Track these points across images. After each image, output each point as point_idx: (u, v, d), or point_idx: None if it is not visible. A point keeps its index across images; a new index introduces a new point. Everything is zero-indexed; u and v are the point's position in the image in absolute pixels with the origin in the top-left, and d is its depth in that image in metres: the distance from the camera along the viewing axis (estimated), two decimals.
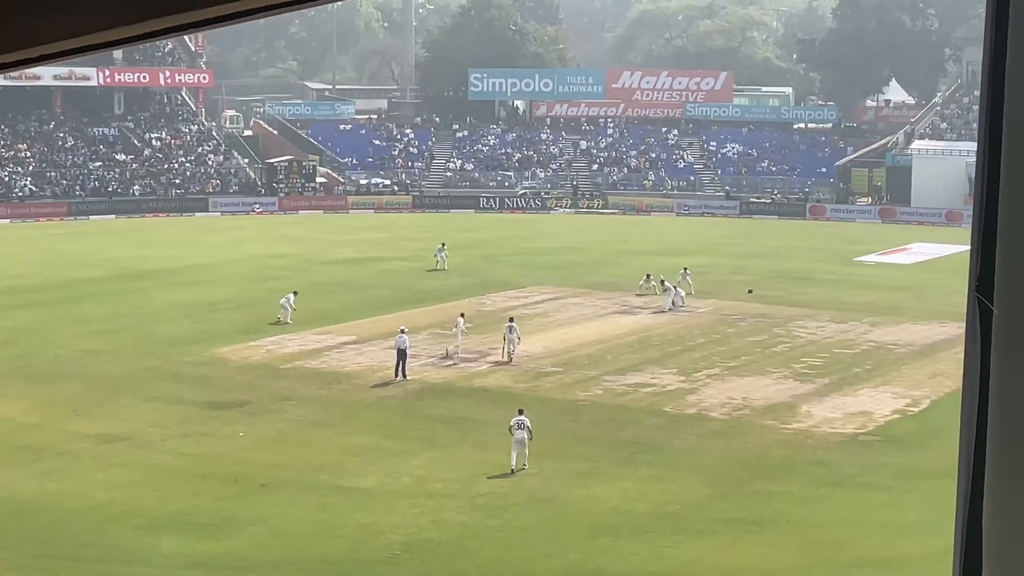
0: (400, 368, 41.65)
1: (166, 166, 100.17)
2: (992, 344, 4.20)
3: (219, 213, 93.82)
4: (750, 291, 58.52)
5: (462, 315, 47.20)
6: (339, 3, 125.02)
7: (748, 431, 36.40)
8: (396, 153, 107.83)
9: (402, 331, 42.62)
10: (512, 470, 31.80)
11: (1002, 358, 4.14)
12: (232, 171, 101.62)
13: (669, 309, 53.93)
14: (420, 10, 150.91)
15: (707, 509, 29.74)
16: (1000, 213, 4.12)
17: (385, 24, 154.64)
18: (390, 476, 31.91)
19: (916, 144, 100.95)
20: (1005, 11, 4.19)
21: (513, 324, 45.44)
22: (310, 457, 33.41)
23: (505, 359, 44.43)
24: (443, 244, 66.66)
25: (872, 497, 30.70)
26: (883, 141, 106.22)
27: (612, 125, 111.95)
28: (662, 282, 56.27)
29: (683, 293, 55.60)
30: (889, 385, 41.82)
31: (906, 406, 39.01)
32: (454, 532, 28.08)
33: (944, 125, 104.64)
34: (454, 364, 44.39)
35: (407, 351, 41.88)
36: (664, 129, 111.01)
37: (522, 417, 32.48)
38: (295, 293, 51.78)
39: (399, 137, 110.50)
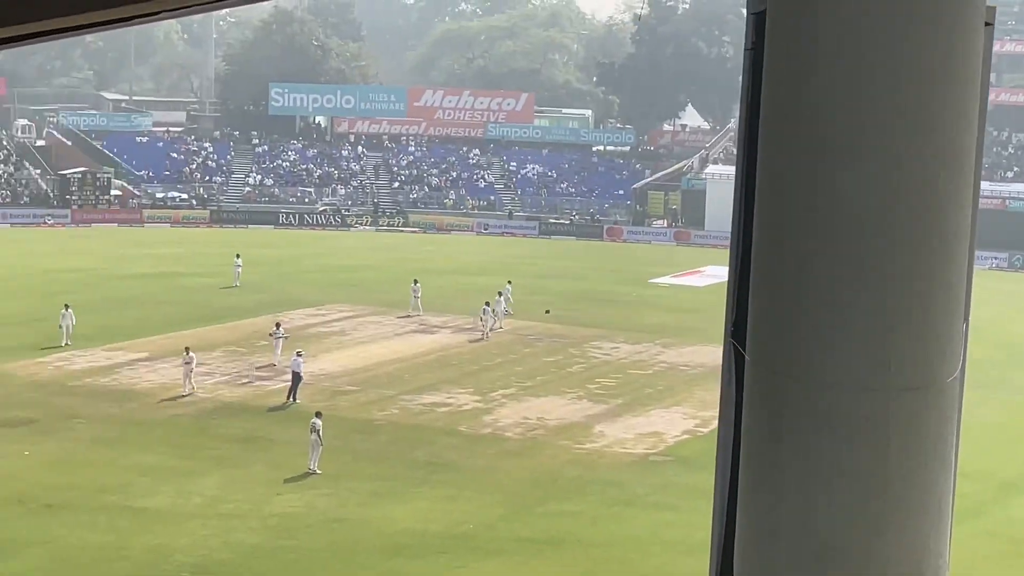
0: (293, 393, 41.16)
1: None
2: (744, 385, 4.41)
3: (9, 225, 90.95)
4: (547, 312, 59.14)
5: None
6: None
7: (542, 451, 36.84)
8: (194, 167, 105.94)
9: (298, 354, 42.19)
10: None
11: (751, 396, 4.36)
12: (23, 182, 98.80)
13: (491, 331, 53.87)
14: (221, 23, 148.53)
15: (500, 529, 30.01)
16: (753, 270, 4.33)
17: (184, 36, 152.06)
18: (181, 496, 31.46)
19: (710, 168, 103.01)
20: (759, 60, 4.40)
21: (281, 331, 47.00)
22: (99, 477, 32.75)
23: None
24: (238, 255, 65.97)
25: (661, 516, 31.33)
26: (679, 165, 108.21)
27: (414, 143, 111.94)
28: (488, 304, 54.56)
29: (501, 313, 55.91)
30: (680, 406, 42.71)
31: (696, 427, 39.85)
32: (245, 553, 27.80)
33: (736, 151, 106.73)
34: (249, 382, 44.03)
35: (302, 375, 41.48)
36: (465, 148, 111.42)
37: (316, 420, 33.67)
38: (67, 307, 49.50)
39: (197, 151, 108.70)
